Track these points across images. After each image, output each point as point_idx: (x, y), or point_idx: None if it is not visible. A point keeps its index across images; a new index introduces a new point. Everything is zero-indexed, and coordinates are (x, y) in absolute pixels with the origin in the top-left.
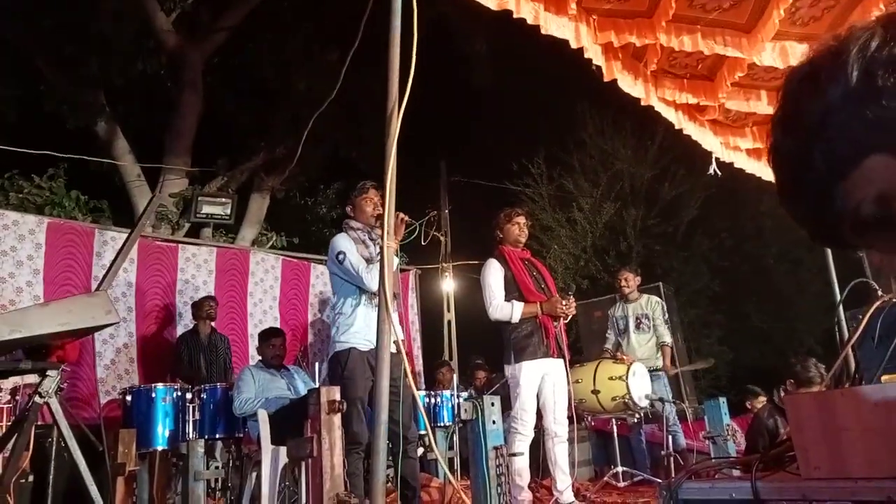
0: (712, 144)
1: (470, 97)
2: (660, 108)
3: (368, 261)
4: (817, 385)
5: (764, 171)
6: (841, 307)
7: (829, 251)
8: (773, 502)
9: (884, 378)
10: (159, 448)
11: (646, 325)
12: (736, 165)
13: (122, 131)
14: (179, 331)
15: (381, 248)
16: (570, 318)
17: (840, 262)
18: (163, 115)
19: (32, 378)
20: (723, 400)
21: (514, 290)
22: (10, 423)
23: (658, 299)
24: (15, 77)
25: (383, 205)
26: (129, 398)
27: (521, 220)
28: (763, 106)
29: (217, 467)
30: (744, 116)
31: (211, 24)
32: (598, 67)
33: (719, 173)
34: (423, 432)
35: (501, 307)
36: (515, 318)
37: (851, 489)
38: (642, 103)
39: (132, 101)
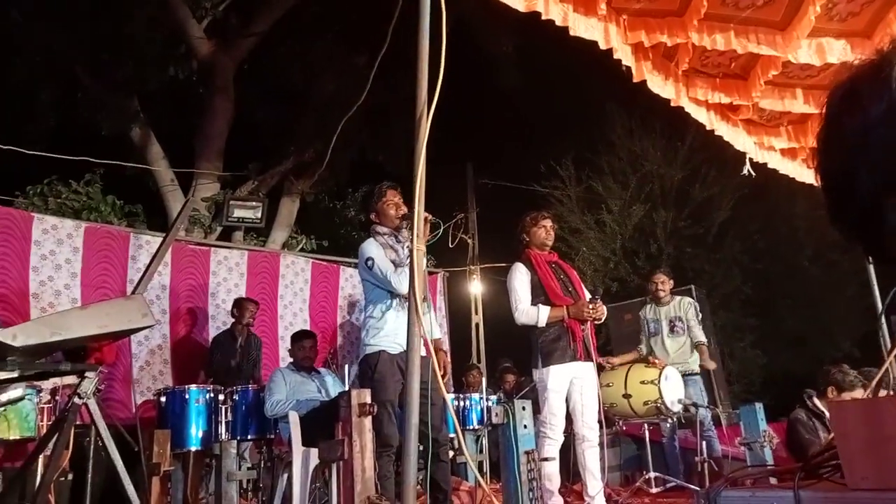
0: (746, 144)
1: (497, 98)
2: (690, 108)
3: (397, 264)
4: (859, 388)
5: (798, 171)
6: (881, 311)
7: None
8: None
9: None
10: (193, 448)
11: (680, 328)
12: (770, 166)
13: (156, 137)
14: (212, 332)
15: (411, 250)
16: (601, 321)
17: (879, 265)
18: (195, 121)
19: (71, 379)
20: (759, 405)
21: (540, 294)
22: (50, 423)
23: (690, 300)
24: (53, 84)
25: (407, 203)
26: (163, 399)
27: (548, 223)
28: (799, 104)
29: (249, 468)
30: (778, 115)
31: (241, 29)
32: (628, 68)
33: (753, 174)
34: (452, 435)
35: (527, 311)
36: (542, 323)
37: None
38: (672, 104)
39: (165, 106)
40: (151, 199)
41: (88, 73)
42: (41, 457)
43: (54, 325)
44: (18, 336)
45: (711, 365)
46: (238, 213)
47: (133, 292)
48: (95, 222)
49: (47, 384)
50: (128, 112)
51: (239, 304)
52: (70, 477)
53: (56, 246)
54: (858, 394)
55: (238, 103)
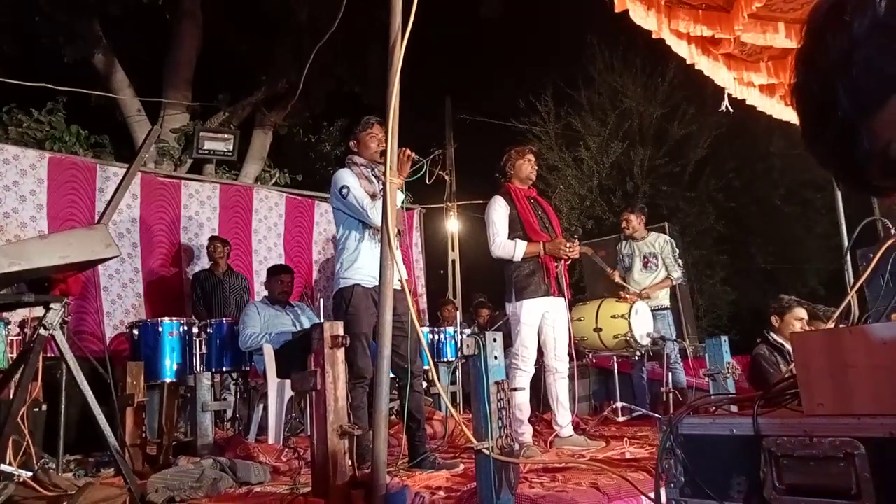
0: (725, 80)
1: (477, 31)
2: (672, 41)
3: (373, 196)
4: (796, 308)
5: (776, 108)
6: (851, 245)
7: (838, 192)
8: (774, 438)
9: (894, 317)
10: (167, 380)
11: (654, 263)
12: (748, 102)
13: (121, 64)
14: (185, 266)
15: (384, 183)
16: (571, 260)
17: (849, 203)
18: (161, 48)
19: (40, 311)
20: (724, 338)
21: (518, 228)
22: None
23: (668, 238)
24: (10, 6)
25: (387, 142)
26: (136, 332)
27: (532, 157)
28: (780, 39)
29: (224, 398)
30: (759, 50)
31: None
32: None
33: (731, 110)
34: (426, 367)
35: (504, 245)
36: (517, 257)
37: (854, 426)
38: (654, 36)
39: (130, 32)
40: (118, 129)
41: None
42: (12, 386)
43: (13, 255)
44: None
45: (650, 292)
46: (209, 145)
47: (98, 223)
48: (60, 153)
49: (15, 317)
50: (90, 37)
51: (209, 242)
52: (44, 408)
53: (19, 176)
54: (800, 312)
55: (207, 30)
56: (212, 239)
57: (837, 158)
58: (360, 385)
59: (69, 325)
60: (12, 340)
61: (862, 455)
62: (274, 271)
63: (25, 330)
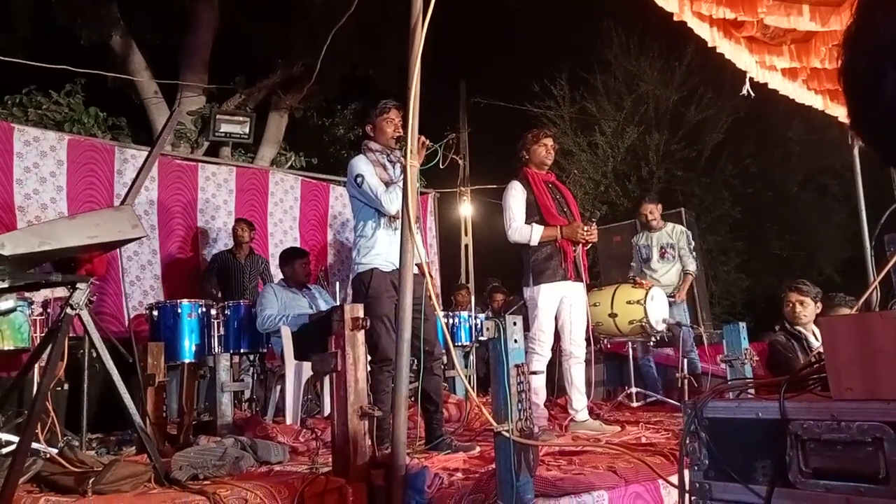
0: (747, 63)
1: (492, 13)
2: (694, 23)
3: (387, 183)
4: (791, 293)
5: (798, 92)
6: (876, 231)
7: (858, 179)
8: (801, 422)
9: None
10: (186, 361)
11: (670, 254)
12: (770, 86)
13: (138, 47)
14: (201, 248)
15: (405, 167)
16: (590, 245)
17: (869, 190)
18: (178, 31)
19: (62, 291)
20: (742, 325)
21: (535, 213)
22: (43, 335)
23: (684, 228)
24: None
25: (404, 126)
26: (155, 313)
27: (549, 141)
28: (804, 22)
29: (243, 380)
30: (782, 33)
31: None
32: None
33: (752, 94)
34: (443, 350)
35: (520, 229)
36: (534, 241)
37: (883, 410)
38: (675, 18)
39: (146, 15)
40: (135, 111)
41: None
42: (36, 367)
43: (43, 234)
44: (6, 245)
45: (681, 296)
46: (225, 127)
47: (122, 204)
48: (78, 135)
49: (38, 297)
50: (107, 19)
51: (235, 224)
52: (66, 387)
53: (39, 158)
54: (793, 297)
55: (223, 13)
56: (238, 221)
57: (886, 140)
58: (386, 368)
59: (91, 305)
60: (35, 320)
61: (891, 439)
62: (292, 255)
63: (48, 310)
